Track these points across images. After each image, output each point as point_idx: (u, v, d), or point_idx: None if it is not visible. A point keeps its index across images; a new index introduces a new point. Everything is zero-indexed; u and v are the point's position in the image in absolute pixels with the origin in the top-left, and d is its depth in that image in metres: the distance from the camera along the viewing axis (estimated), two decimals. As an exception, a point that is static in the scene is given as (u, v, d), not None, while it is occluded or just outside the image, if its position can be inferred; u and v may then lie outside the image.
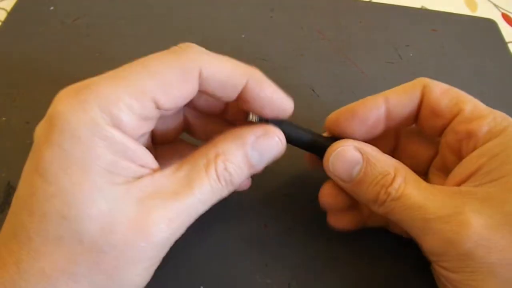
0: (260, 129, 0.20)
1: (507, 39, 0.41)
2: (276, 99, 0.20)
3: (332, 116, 0.24)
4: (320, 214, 0.28)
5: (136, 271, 0.17)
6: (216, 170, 0.19)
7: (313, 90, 0.34)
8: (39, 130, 0.17)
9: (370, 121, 0.23)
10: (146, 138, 0.20)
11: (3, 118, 0.31)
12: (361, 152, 0.21)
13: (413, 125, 0.25)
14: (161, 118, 0.19)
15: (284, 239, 0.27)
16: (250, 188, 0.28)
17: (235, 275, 0.25)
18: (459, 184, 0.21)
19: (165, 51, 0.18)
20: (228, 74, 0.19)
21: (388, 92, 0.23)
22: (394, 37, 0.40)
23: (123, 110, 0.17)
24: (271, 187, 0.29)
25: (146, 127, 0.18)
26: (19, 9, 0.37)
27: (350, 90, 0.34)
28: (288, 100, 0.21)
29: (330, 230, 0.27)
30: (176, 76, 0.17)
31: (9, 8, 0.38)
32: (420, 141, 0.25)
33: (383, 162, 0.21)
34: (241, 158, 0.19)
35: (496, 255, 0.18)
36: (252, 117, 0.21)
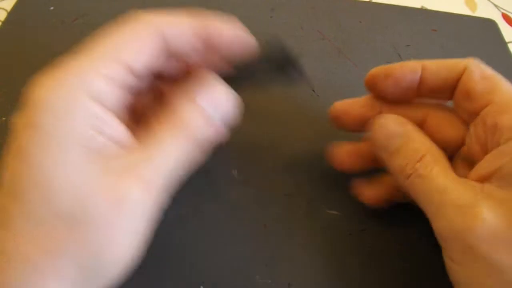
0: (209, 83, 0.20)
1: (507, 39, 0.41)
2: (240, 38, 0.21)
3: (370, 72, 0.25)
4: (320, 214, 0.28)
5: (120, 245, 0.17)
6: (177, 130, 0.19)
7: (313, 90, 0.34)
8: (17, 116, 0.17)
9: (404, 83, 0.24)
10: (124, 115, 0.20)
11: (3, 118, 0.31)
12: (403, 127, 0.23)
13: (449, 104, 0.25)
14: (136, 93, 0.20)
15: (284, 239, 0.27)
16: (250, 188, 0.28)
17: (235, 275, 0.25)
18: (481, 180, 0.20)
19: (121, 22, 0.19)
20: (183, 24, 0.19)
21: (428, 61, 0.24)
22: (394, 37, 0.40)
23: (99, 79, 0.17)
24: (271, 187, 0.29)
25: (123, 97, 0.18)
26: (19, 9, 0.37)
27: (350, 90, 0.34)
28: (250, 38, 0.21)
29: (330, 230, 0.27)
30: (138, 34, 0.18)
31: (9, 8, 0.38)
32: (450, 127, 0.25)
33: (420, 141, 0.22)
34: (197, 113, 0.19)
35: (503, 255, 0.18)
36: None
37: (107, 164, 0.17)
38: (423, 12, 0.43)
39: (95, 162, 0.17)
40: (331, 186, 0.28)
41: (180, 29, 0.19)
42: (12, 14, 0.37)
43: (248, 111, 0.33)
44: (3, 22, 0.37)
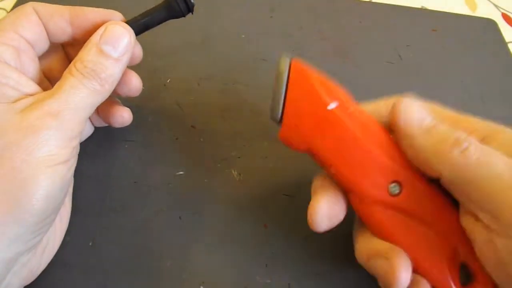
0: (101, 28, 0.23)
1: (507, 39, 0.41)
2: (101, 13, 0.24)
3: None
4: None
5: (35, 171, 0.19)
6: (76, 69, 0.22)
7: (313, 90, 0.34)
8: None
9: None
10: (37, 74, 0.23)
11: None
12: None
13: None
14: (44, 57, 0.25)
15: (284, 239, 0.27)
16: (250, 188, 0.28)
17: (235, 275, 0.25)
18: None
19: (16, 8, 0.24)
20: (52, 7, 0.24)
21: (366, 105, 0.24)
22: (394, 37, 0.40)
23: None
24: (271, 187, 0.29)
25: (25, 58, 0.22)
26: (19, 9, 0.38)
27: (350, 90, 0.34)
28: (112, 11, 0.25)
29: (330, 230, 0.27)
30: (20, 13, 0.23)
31: (9, 8, 0.38)
32: None
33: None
34: (95, 53, 0.22)
35: None
36: None
37: (16, 104, 0.20)
38: (423, 12, 0.43)
39: (4, 104, 0.20)
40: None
41: (46, 8, 0.23)
42: (12, 14, 0.37)
43: (248, 111, 0.33)
44: (3, 22, 0.37)
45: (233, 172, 0.29)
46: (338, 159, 0.22)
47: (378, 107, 0.24)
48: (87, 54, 0.22)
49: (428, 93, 0.36)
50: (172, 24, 0.35)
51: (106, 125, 0.29)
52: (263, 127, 0.32)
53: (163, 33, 0.37)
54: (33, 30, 0.23)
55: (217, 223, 0.27)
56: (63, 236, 0.24)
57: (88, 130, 0.29)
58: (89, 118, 0.28)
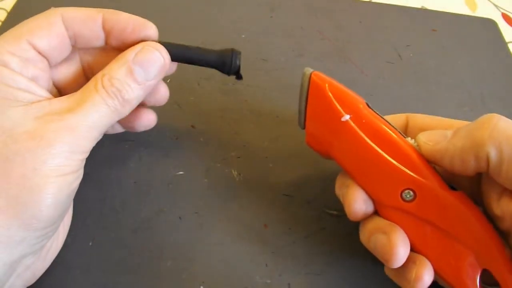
0: (139, 46, 0.22)
1: (507, 39, 0.41)
2: (134, 20, 0.23)
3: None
4: (320, 214, 0.28)
5: (45, 179, 0.19)
6: (103, 85, 0.21)
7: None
8: None
9: None
10: (47, 84, 0.23)
11: None
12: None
13: None
14: (59, 67, 0.24)
15: (284, 239, 0.27)
16: (250, 188, 0.28)
17: (235, 275, 0.25)
18: None
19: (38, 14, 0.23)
20: (84, 12, 0.22)
21: None
22: (394, 37, 0.40)
23: (5, 54, 0.20)
24: (271, 187, 0.29)
25: (34, 69, 0.21)
26: (19, 9, 0.37)
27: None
28: (146, 21, 0.24)
29: (330, 230, 0.27)
30: (42, 21, 0.22)
31: (9, 8, 0.38)
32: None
33: None
34: (124, 73, 0.21)
35: None
36: None
37: (30, 109, 0.20)
38: (423, 12, 0.43)
39: (17, 107, 0.19)
40: (331, 186, 0.28)
41: (78, 14, 0.22)
42: (12, 14, 0.37)
43: (248, 111, 0.33)
44: (3, 22, 0.37)
45: (233, 172, 0.29)
46: (352, 167, 0.23)
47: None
48: (116, 72, 0.21)
49: (428, 93, 0.36)
50: (171, 24, 0.35)
51: (120, 131, 0.28)
52: (263, 127, 0.32)
53: (162, 33, 0.37)
54: (51, 41, 0.22)
55: (217, 223, 0.27)
56: (65, 238, 0.24)
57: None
58: None
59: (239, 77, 0.26)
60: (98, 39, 0.23)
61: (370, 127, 0.23)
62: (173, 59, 0.24)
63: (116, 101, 0.21)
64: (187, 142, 0.30)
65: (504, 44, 0.41)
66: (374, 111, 0.23)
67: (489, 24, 0.43)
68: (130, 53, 0.22)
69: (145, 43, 0.23)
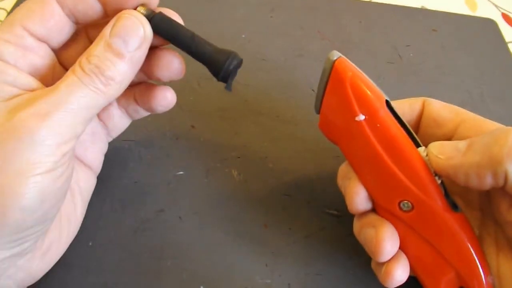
0: (114, 17, 0.20)
1: (507, 39, 0.41)
2: None
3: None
4: (320, 214, 0.28)
5: (13, 181, 0.17)
6: (80, 66, 0.19)
7: (313, 90, 0.34)
8: None
9: None
10: (51, 71, 0.21)
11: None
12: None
13: None
14: (67, 48, 0.22)
15: (284, 239, 0.27)
16: (250, 188, 0.28)
17: (235, 275, 0.25)
18: None
19: None
20: None
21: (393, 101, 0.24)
22: (394, 37, 0.40)
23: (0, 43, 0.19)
24: (271, 187, 0.29)
25: (33, 56, 0.20)
26: (19, 9, 0.37)
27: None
28: None
29: (330, 230, 0.27)
30: (34, 3, 0.20)
31: (9, 8, 0.38)
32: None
33: None
34: (102, 48, 0.20)
35: None
36: (140, 10, 0.21)
37: (9, 103, 0.18)
38: (423, 12, 0.43)
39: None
40: (330, 186, 0.28)
41: None
42: (12, 14, 0.37)
43: (248, 111, 0.33)
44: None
45: (233, 172, 0.29)
46: (356, 164, 0.23)
47: (402, 106, 0.25)
48: (94, 49, 0.20)
49: (428, 93, 0.36)
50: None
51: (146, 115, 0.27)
52: (263, 127, 0.32)
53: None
54: (47, 23, 0.20)
55: (217, 222, 0.27)
56: (71, 239, 0.24)
57: (124, 124, 0.27)
58: (125, 109, 0.26)
59: (228, 86, 0.24)
60: (96, 11, 0.21)
61: (382, 134, 0.22)
62: (161, 34, 0.22)
63: (96, 79, 0.19)
64: (187, 142, 0.30)
65: (504, 44, 0.41)
66: (393, 112, 0.22)
67: (489, 24, 0.43)
68: (106, 28, 0.20)
69: (120, 13, 0.21)
